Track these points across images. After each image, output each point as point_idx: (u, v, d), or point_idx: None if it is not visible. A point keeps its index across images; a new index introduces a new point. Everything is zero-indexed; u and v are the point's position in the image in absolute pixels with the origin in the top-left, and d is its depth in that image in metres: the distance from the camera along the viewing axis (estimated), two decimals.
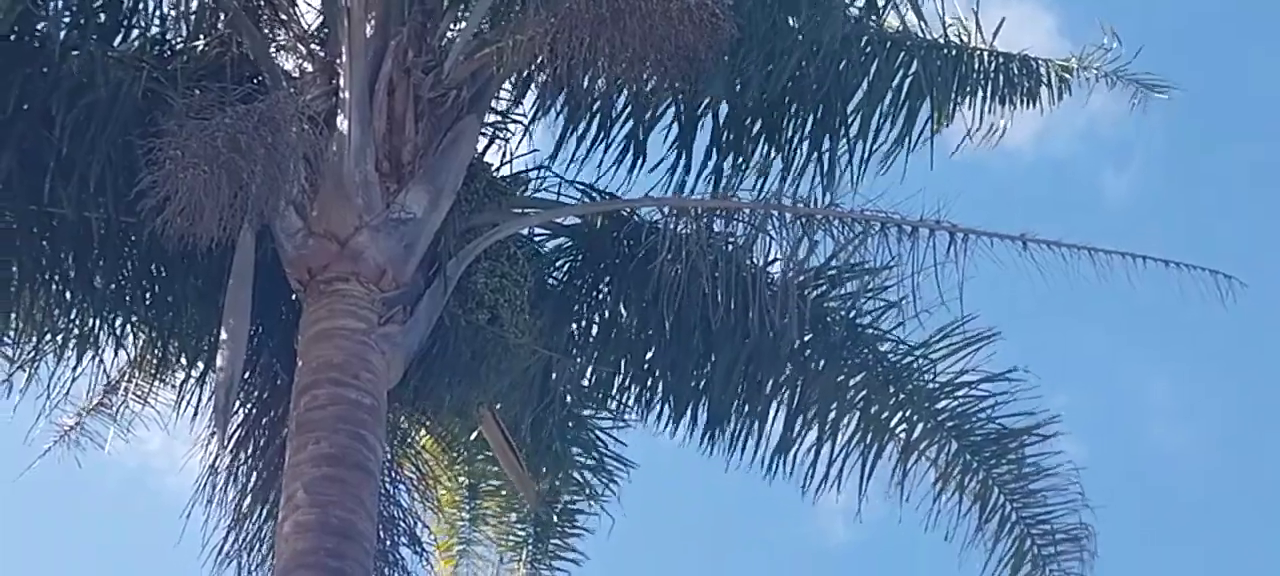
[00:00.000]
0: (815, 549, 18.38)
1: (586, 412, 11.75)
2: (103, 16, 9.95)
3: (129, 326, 10.55)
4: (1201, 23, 18.74)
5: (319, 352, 9.23)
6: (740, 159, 11.09)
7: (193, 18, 10.25)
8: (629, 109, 10.99)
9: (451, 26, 10.48)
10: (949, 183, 10.66)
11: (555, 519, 12.18)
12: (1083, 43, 11.20)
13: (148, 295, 10.38)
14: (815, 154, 11.02)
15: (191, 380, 10.85)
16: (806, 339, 10.88)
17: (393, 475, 10.96)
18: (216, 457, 10.70)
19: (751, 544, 18.75)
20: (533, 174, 11.06)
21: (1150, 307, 13.27)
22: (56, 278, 10.15)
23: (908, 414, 11.07)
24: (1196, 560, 18.84)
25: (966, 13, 11.13)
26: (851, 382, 11.08)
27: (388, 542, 10.75)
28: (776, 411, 11.09)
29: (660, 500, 15.55)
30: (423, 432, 11.53)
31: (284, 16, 10.54)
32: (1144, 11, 15.96)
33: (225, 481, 10.70)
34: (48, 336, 10.40)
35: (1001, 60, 11.08)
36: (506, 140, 10.95)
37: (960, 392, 11.05)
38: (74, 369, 10.63)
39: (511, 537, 12.34)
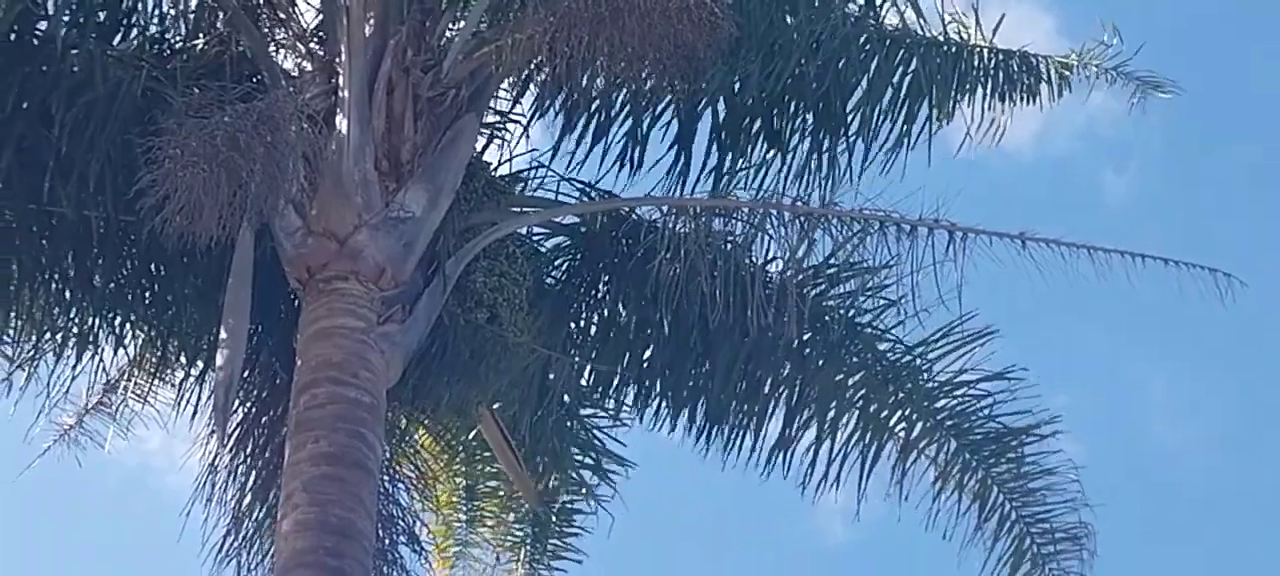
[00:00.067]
0: (814, 548, 18.40)
1: (585, 411, 11.75)
2: (102, 15, 9.96)
3: (128, 325, 10.56)
4: (1201, 23, 18.76)
5: (318, 351, 9.24)
6: (739, 158, 11.09)
7: (192, 17, 10.26)
8: (628, 108, 11.00)
9: (450, 25, 10.48)
10: (948, 181, 10.65)
11: (554, 518, 12.18)
12: (1082, 42, 11.21)
13: (147, 294, 10.38)
14: (814, 152, 11.02)
15: (191, 379, 10.86)
16: (805, 338, 10.88)
17: (392, 474, 10.97)
18: (216, 456, 10.72)
19: (751, 543, 18.78)
20: (531, 173, 11.08)
21: (1150, 306, 13.29)
22: (56, 276, 10.15)
23: (907, 412, 11.06)
24: (1197, 559, 18.87)
25: (966, 10, 11.15)
26: (850, 381, 11.08)
27: (387, 541, 10.76)
28: (775, 410, 11.10)
29: (660, 499, 15.56)
30: (422, 432, 11.53)
31: (283, 15, 10.54)
32: (1143, 12, 15.96)
33: (225, 480, 10.72)
34: (47, 335, 10.40)
35: (1001, 57, 11.07)
36: (505, 139, 10.96)
37: (960, 391, 11.05)
38: (73, 368, 10.66)
39: (509, 538, 12.35)
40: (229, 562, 10.71)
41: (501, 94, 10.86)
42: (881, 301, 10.90)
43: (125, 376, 11.48)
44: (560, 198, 11.04)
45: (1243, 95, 18.65)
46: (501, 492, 12.27)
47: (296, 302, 9.69)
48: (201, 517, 10.71)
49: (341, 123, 9.67)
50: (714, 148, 11.09)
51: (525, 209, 10.97)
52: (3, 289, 10.08)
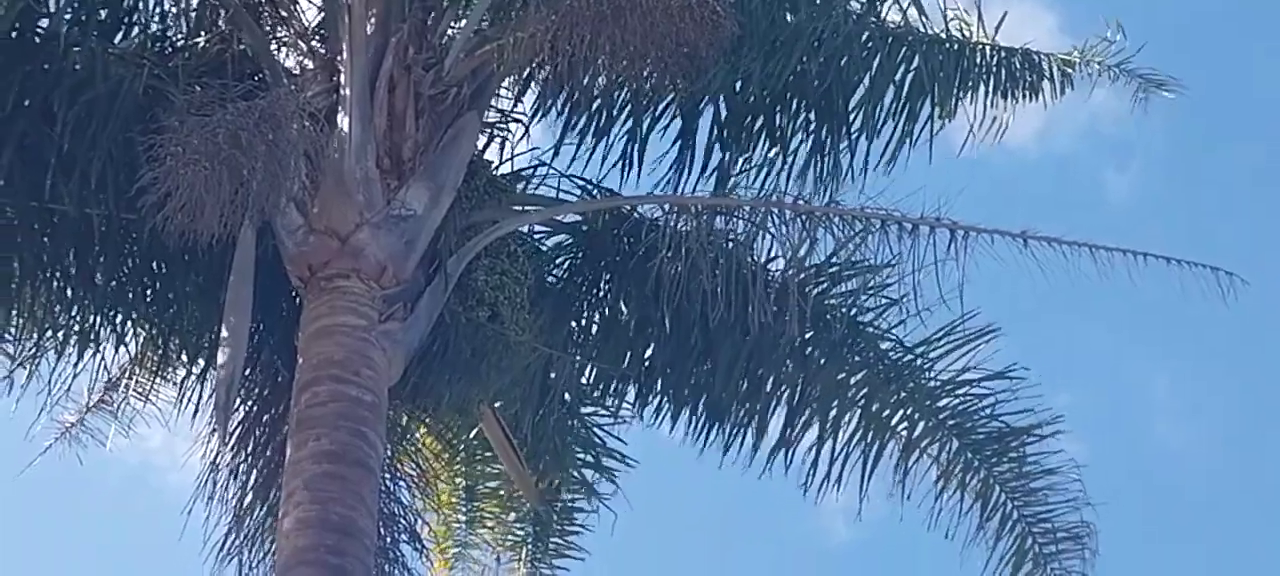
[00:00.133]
0: (816, 548, 18.38)
1: (587, 410, 11.74)
2: (104, 13, 9.96)
3: (130, 323, 10.56)
4: (1204, 22, 18.74)
5: (320, 349, 9.24)
6: (741, 156, 11.08)
7: (193, 15, 10.26)
8: (629, 106, 10.99)
9: (452, 23, 10.47)
10: (950, 180, 10.64)
11: (555, 517, 12.17)
12: (1084, 40, 11.19)
13: (149, 292, 10.38)
14: (816, 151, 11.01)
15: (192, 377, 10.86)
16: (807, 336, 10.87)
17: (393, 472, 10.96)
18: (217, 454, 10.73)
19: (753, 542, 18.77)
20: (533, 171, 11.07)
21: (1152, 305, 13.26)
22: (57, 274, 10.14)
23: (909, 412, 11.06)
24: (1198, 558, 18.86)
25: (968, 7, 11.14)
26: (852, 380, 11.07)
27: (388, 539, 10.76)
28: (776, 409, 11.09)
29: (661, 498, 15.53)
30: (423, 430, 11.53)
31: (285, 13, 10.54)
32: (1145, 10, 15.94)
33: (226, 478, 10.73)
34: (49, 333, 10.40)
35: (1003, 55, 11.06)
36: (507, 137, 10.95)
37: (962, 390, 11.04)
38: (75, 366, 10.66)
39: (510, 537, 12.34)
40: (230, 561, 10.73)
41: (503, 92, 10.87)
42: (883, 300, 10.90)
43: (127, 374, 11.47)
44: (562, 196, 11.05)
45: (1245, 94, 18.66)
46: (503, 491, 12.27)
47: (298, 300, 9.69)
48: (203, 516, 10.75)
49: (343, 120, 9.67)
50: (716, 146, 11.08)
51: (527, 207, 10.97)
52: (4, 286, 10.08)
